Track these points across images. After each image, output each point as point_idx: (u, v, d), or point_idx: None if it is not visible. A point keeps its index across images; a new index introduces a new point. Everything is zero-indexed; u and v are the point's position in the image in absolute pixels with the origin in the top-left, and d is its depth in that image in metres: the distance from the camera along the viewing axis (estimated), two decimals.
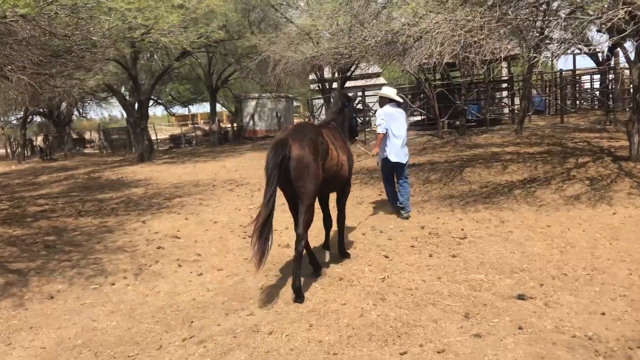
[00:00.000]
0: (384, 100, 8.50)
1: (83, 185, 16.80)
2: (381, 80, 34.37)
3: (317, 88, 26.64)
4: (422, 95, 20.45)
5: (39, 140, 32.75)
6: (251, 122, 32.62)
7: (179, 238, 8.27)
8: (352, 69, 23.58)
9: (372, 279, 5.73)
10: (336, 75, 24.76)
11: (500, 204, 8.79)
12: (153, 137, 34.47)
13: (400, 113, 8.41)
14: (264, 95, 32.09)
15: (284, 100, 32.85)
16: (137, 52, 24.20)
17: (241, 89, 36.69)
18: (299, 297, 5.26)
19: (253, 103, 32.91)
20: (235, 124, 34.82)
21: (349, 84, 27.20)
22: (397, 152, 8.29)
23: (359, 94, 21.92)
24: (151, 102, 47.87)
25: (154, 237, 8.45)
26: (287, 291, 5.50)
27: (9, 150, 37.50)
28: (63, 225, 9.97)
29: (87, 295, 5.94)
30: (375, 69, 31.80)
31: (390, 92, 8.41)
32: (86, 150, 39.16)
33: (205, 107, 60.34)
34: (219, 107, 55.74)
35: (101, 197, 13.60)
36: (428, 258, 6.34)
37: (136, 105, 24.41)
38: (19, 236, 9.20)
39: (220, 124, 35.78)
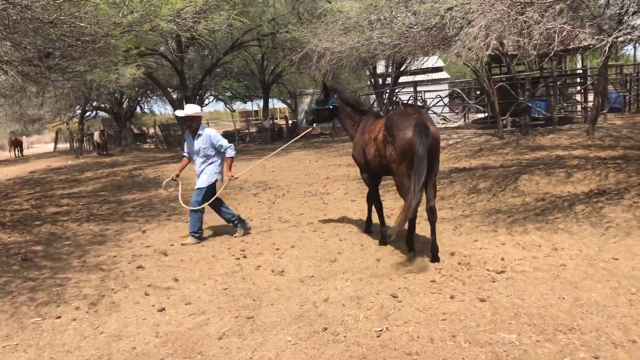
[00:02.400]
0: (195, 122, 7.76)
1: (117, 184, 16.18)
2: (443, 74, 32.39)
3: (370, 83, 25.20)
4: (480, 91, 18.53)
5: (95, 136, 32.96)
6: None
7: (167, 255, 7.13)
8: (409, 61, 22.00)
9: (364, 332, 4.31)
10: (390, 69, 23.23)
11: (555, 223, 7.10)
12: None
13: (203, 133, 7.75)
14: (318, 90, 30.90)
15: None
16: (186, 47, 23.60)
17: (296, 84, 35.63)
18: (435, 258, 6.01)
19: (308, 99, 31.77)
20: (290, 121, 33.84)
21: (405, 79, 25.55)
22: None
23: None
24: (212, 97, 48.12)
25: (141, 253, 7.36)
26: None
27: (74, 145, 37.97)
28: (61, 232, 9.11)
29: (18, 333, 4.85)
30: (437, 62, 29.93)
31: (188, 111, 7.73)
32: (145, 146, 39.27)
33: (273, 103, 60.21)
34: (281, 104, 55.34)
35: (124, 198, 12.82)
36: (448, 301, 4.84)
37: (184, 102, 23.81)
38: (7, 244, 8.39)
39: (275, 120, 34.85)
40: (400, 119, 5.88)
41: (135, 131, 44.24)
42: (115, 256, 7.30)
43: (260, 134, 31.91)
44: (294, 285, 5.57)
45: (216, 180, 7.77)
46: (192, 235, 7.70)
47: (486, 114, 19.76)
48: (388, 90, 22.49)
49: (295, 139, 9.00)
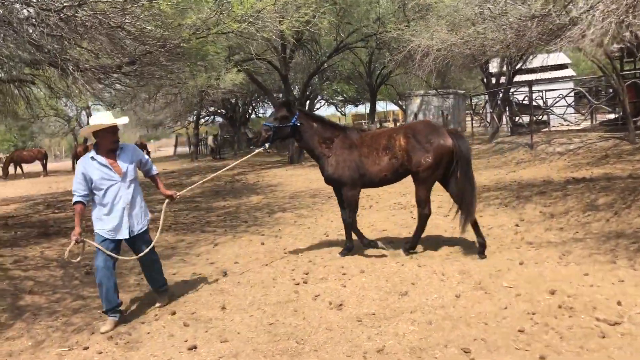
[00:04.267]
0: (105, 138, 5.19)
1: (215, 190, 16.13)
2: (568, 72, 29.57)
3: (482, 82, 23.43)
4: (610, 90, 16.30)
5: (209, 140, 34.02)
6: (414, 120, 30.12)
7: (226, 276, 6.51)
8: (525, 58, 20.08)
9: None
10: (504, 67, 21.37)
11: None
12: None
13: (128, 150, 5.36)
14: (429, 92, 29.47)
15: (452, 96, 29.81)
16: (292, 51, 23.39)
17: (405, 85, 34.34)
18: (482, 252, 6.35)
19: (418, 100, 30.42)
20: (398, 123, 32.68)
21: (525, 77, 23.46)
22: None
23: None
24: (323, 102, 48.09)
25: (202, 271, 6.82)
26: None
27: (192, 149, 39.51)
28: None
29: None
30: (559, 58, 27.31)
31: (101, 120, 5.13)
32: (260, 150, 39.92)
33: (385, 105, 59.22)
34: (393, 106, 54.15)
35: (215, 205, 12.58)
36: None
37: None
38: (85, 252, 8.24)
39: (383, 123, 33.82)
40: (428, 127, 6.39)
41: (250, 135, 45.32)
42: (174, 274, 6.82)
43: None
44: (349, 325, 4.66)
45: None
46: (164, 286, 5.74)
47: (616, 115, 17.40)
48: (502, 90, 20.68)
49: (242, 159, 7.36)
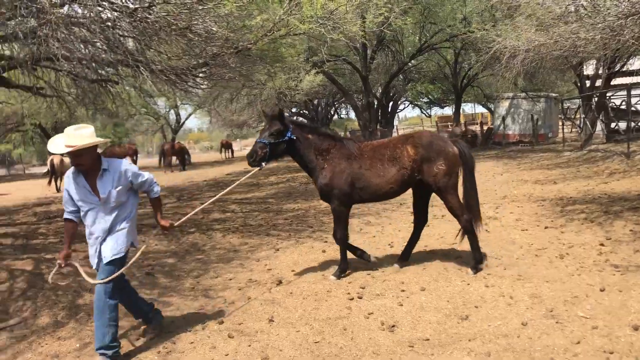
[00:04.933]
0: (85, 157, 4.39)
1: (288, 191, 16.09)
2: None
3: (576, 85, 21.93)
4: None
5: None
6: (502, 124, 28.77)
7: (279, 284, 6.28)
8: (628, 60, 18.56)
9: None
10: (601, 70, 19.87)
11: None
12: None
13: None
14: (519, 94, 28.07)
15: (543, 100, 28.20)
16: (373, 51, 23.04)
17: (493, 87, 32.94)
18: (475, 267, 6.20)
19: (506, 103, 29.05)
20: (484, 127, 31.42)
21: (624, 80, 21.74)
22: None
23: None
24: (407, 103, 47.29)
25: (257, 278, 6.64)
26: None
27: None
28: (202, 244, 8.89)
29: None
30: None
31: (71, 141, 4.29)
32: None
33: (474, 108, 57.49)
34: (481, 108, 52.37)
35: (285, 208, 12.48)
36: None
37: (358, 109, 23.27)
38: (149, 252, 8.35)
39: (468, 127, 32.62)
40: (433, 135, 6.30)
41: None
42: (230, 279, 6.69)
43: None
44: (398, 351, 4.28)
45: (129, 247, 4.64)
46: (102, 354, 4.41)
47: None
48: (597, 94, 19.24)
49: (237, 182, 6.75)
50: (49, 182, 20.88)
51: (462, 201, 6.27)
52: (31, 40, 7.74)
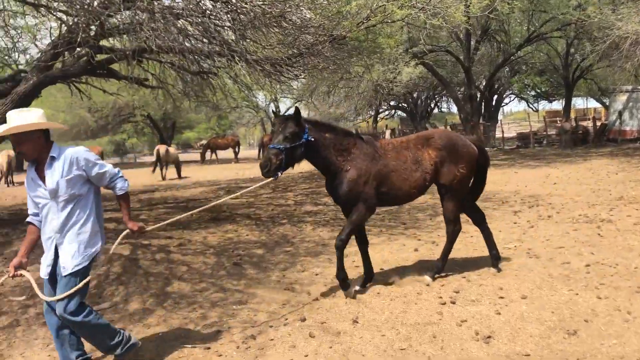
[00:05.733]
0: (27, 143, 3.80)
1: None
2: None
3: None
4: None
5: (387, 134, 33.85)
6: (618, 120, 26.54)
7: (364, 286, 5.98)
8: None
9: None
10: None
11: None
12: (498, 135, 31.79)
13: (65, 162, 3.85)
14: (639, 87, 25.75)
15: None
16: (477, 42, 22.04)
17: (609, 80, 30.45)
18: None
19: (624, 98, 26.76)
20: (597, 123, 29.16)
21: None
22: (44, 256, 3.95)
23: None
24: (512, 96, 45.09)
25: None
26: None
27: None
28: (292, 236, 8.78)
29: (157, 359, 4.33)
30: None
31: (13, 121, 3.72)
32: None
33: (585, 102, 53.93)
34: (594, 103, 48.85)
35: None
36: None
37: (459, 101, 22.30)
38: (239, 242, 8.37)
39: (579, 122, 30.41)
40: (453, 136, 5.94)
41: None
42: (317, 274, 6.49)
43: (560, 137, 28.18)
44: None
45: (94, 254, 3.93)
46: None
47: None
48: None
49: (245, 190, 6.21)
50: (153, 170, 21.89)
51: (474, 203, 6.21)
52: (136, 33, 7.96)
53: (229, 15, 7.97)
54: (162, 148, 21.58)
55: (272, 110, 5.73)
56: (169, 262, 7.40)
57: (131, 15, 8.08)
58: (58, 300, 3.72)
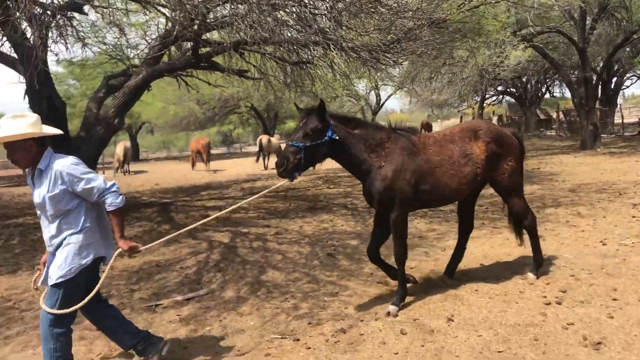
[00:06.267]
0: (18, 152, 3.65)
1: None
2: None
3: None
4: None
5: (494, 121, 32.41)
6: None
7: (465, 278, 5.66)
8: None
9: None
10: None
11: None
12: (617, 121, 29.45)
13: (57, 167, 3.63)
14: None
15: None
16: (594, 21, 20.42)
17: None
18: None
19: None
20: None
21: None
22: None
23: None
24: (634, 79, 41.54)
25: (441, 269, 6.08)
26: None
27: None
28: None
29: (244, 348, 4.35)
30: None
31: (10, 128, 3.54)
32: (549, 133, 36.51)
33: None
34: None
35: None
36: None
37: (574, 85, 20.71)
38: (340, 232, 8.31)
39: None
40: (496, 127, 5.63)
41: (541, 116, 41.80)
42: (412, 267, 6.27)
43: None
44: None
45: (84, 266, 3.68)
46: None
47: None
48: None
49: (256, 195, 5.71)
50: (257, 160, 22.50)
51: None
52: (234, 26, 8.09)
53: (325, 3, 7.88)
54: (264, 138, 22.14)
55: (294, 103, 5.05)
56: (264, 251, 7.51)
57: (232, 8, 8.24)
58: (51, 312, 3.58)
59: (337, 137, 4.70)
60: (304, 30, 8.40)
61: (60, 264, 3.59)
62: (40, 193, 3.62)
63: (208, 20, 8.73)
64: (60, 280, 3.58)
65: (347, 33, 8.06)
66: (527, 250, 6.55)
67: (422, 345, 4.16)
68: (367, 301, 5.28)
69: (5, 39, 7.85)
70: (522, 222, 5.62)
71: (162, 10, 9.25)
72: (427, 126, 42.96)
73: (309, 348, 4.28)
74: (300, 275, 6.28)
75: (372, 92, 37.14)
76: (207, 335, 4.70)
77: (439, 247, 7.17)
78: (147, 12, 10.73)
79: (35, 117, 3.67)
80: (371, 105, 39.50)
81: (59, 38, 7.40)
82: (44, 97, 10.03)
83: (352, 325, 4.66)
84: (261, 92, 19.68)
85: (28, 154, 3.60)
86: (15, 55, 9.32)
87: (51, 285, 3.62)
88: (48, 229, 3.69)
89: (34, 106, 10.23)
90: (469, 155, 5.13)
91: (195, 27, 8.68)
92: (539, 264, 5.58)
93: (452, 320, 4.59)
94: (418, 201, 5.07)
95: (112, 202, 3.68)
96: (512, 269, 5.86)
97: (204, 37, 10.01)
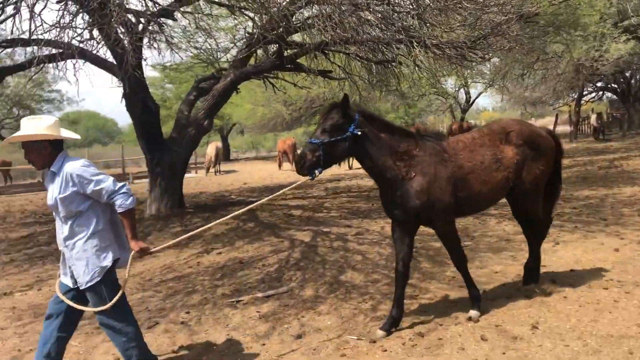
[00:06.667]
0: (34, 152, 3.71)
1: (583, 176, 14.20)
2: None
3: None
4: None
5: (592, 119, 30.57)
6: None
7: (554, 283, 5.35)
8: None
9: None
10: None
11: None
12: None
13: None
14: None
15: None
16: None
17: None
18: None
19: None
20: None
21: None
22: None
23: None
24: None
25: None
26: None
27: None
28: (473, 228, 8.33)
29: (322, 350, 4.35)
30: None
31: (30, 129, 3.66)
32: None
33: None
34: None
35: (576, 195, 11.02)
36: None
37: None
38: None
39: None
40: (529, 126, 5.17)
41: None
42: (497, 272, 6.04)
43: None
44: None
45: (106, 268, 3.72)
46: None
47: None
48: None
49: (278, 193, 5.25)
50: None
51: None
52: (317, 27, 8.17)
53: (409, 0, 7.76)
54: None
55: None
56: (345, 251, 7.51)
57: (316, 10, 8.33)
58: (98, 310, 3.70)
59: (360, 133, 4.37)
60: (386, 28, 8.32)
61: (84, 271, 3.66)
62: (53, 195, 3.68)
63: (291, 23, 8.85)
64: (90, 284, 3.67)
65: (432, 30, 7.89)
66: (624, 255, 6.15)
67: (504, 353, 3.99)
68: (447, 305, 5.14)
69: (102, 44, 8.37)
70: (537, 226, 5.23)
71: (249, 14, 9.48)
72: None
73: (385, 350, 4.23)
74: (380, 276, 6.21)
75: (462, 90, 36.17)
76: (285, 333, 4.76)
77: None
78: (235, 17, 11.08)
79: (53, 119, 3.77)
80: (460, 103, 38.54)
81: (151, 44, 7.78)
82: (139, 100, 10.60)
83: (430, 329, 4.55)
84: (346, 91, 19.71)
85: (41, 155, 3.69)
86: (113, 60, 9.92)
87: (86, 290, 3.70)
88: (61, 230, 3.74)
89: (130, 109, 10.84)
90: (500, 160, 4.76)
91: (280, 29, 8.83)
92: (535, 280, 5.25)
93: (537, 328, 4.36)
94: (455, 209, 4.72)
95: (121, 203, 3.67)
96: (607, 276, 5.48)
97: (288, 39, 10.16)
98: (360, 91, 15.66)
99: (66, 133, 3.83)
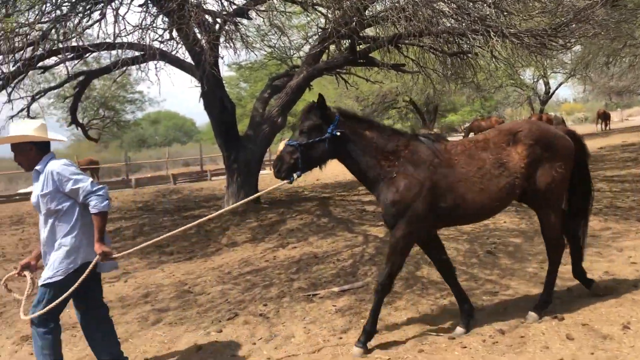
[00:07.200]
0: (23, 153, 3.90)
1: None
2: None
3: None
4: None
5: None
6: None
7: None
8: None
9: None
10: None
11: None
12: None
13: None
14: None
15: None
16: None
17: None
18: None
19: None
20: None
21: None
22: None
23: None
24: None
25: (616, 272, 5.54)
26: None
27: None
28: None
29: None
30: None
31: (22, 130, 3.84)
32: None
33: None
34: None
35: None
36: None
37: None
38: (502, 229, 7.92)
39: None
40: (544, 127, 4.65)
41: None
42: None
43: None
44: None
45: (70, 271, 3.76)
46: None
47: None
48: None
49: (244, 200, 5.35)
50: None
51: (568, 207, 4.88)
52: (392, 19, 8.08)
53: None
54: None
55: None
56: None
57: (391, 2, 8.25)
58: (34, 315, 3.70)
59: (339, 134, 4.19)
60: (462, 19, 8.12)
61: (50, 266, 3.75)
62: (35, 193, 3.81)
63: (364, 16, 8.81)
64: (47, 281, 3.72)
65: (510, 19, 7.62)
66: None
67: (592, 353, 3.81)
68: (529, 302, 4.94)
69: (181, 44, 8.67)
70: (548, 245, 4.68)
71: (321, 10, 9.52)
72: (605, 116, 39.20)
73: (465, 347, 4.14)
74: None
75: (540, 81, 34.76)
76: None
77: (614, 247, 6.49)
78: (308, 14, 11.16)
79: (40, 122, 3.90)
80: (539, 94, 37.04)
81: (228, 43, 7.98)
82: (216, 98, 10.90)
83: (512, 327, 4.41)
84: (419, 85, 19.38)
85: (27, 156, 3.85)
86: (191, 61, 10.25)
87: (40, 285, 3.77)
88: (43, 230, 3.84)
89: (208, 108, 11.17)
90: (504, 165, 4.33)
91: (353, 23, 8.82)
92: (546, 302, 4.62)
93: (629, 328, 4.13)
94: (438, 220, 4.40)
95: (96, 204, 3.73)
96: None
97: (361, 33, 10.12)
98: (435, 84, 15.39)
99: (52, 135, 4.00)
